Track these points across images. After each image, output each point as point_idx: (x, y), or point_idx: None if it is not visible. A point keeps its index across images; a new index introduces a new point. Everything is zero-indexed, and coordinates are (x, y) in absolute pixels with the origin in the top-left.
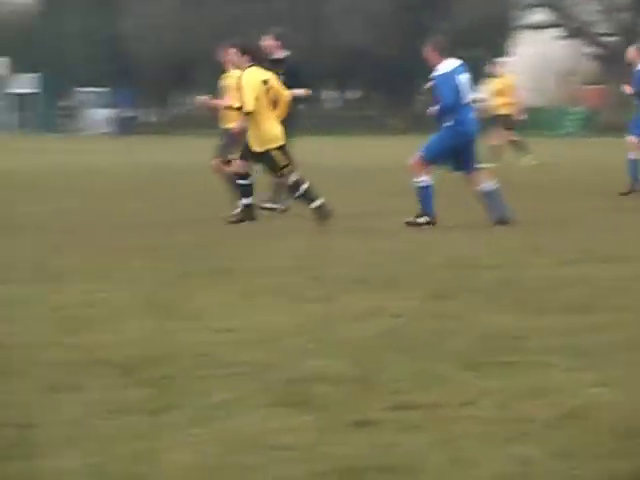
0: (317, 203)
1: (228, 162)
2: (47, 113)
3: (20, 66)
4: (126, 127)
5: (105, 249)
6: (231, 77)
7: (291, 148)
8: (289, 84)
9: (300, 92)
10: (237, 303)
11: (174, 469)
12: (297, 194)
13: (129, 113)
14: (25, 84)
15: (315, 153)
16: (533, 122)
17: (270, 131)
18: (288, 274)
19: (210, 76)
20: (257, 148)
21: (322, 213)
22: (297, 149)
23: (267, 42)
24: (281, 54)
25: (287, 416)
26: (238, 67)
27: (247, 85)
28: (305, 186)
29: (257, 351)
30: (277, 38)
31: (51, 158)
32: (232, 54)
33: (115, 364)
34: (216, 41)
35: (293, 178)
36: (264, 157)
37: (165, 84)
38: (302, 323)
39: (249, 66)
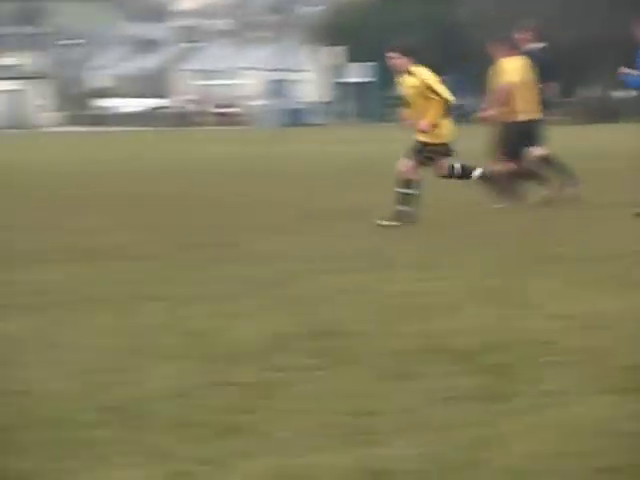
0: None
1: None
2: (380, 103)
3: (356, 55)
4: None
5: (436, 238)
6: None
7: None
8: (541, 76)
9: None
10: (569, 289)
11: (513, 456)
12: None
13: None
14: (360, 73)
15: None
16: None
17: (447, 125)
18: (615, 260)
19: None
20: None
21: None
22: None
23: (520, 35)
24: (532, 46)
25: (622, 404)
26: (401, 69)
27: (432, 79)
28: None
29: (593, 337)
30: (531, 31)
31: (383, 147)
32: (394, 58)
33: (453, 352)
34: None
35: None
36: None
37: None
38: (637, 308)
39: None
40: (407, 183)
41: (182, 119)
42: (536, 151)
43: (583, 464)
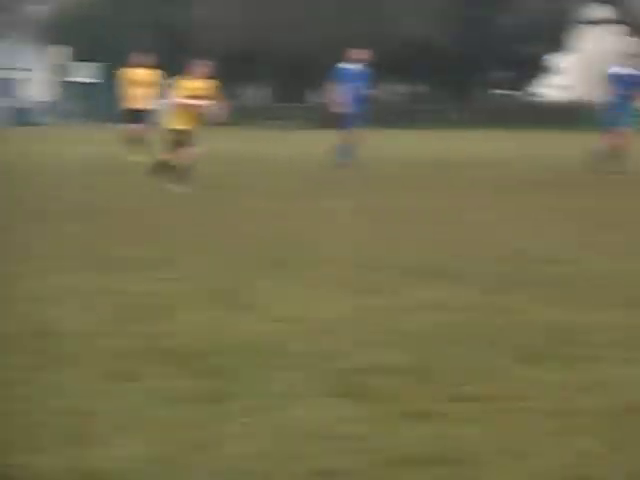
0: None
1: None
2: (106, 104)
3: (82, 55)
4: None
5: (165, 238)
6: None
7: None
8: None
9: None
10: (295, 294)
11: (230, 458)
12: None
13: None
14: (86, 73)
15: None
16: (594, 117)
17: None
18: (337, 263)
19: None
20: None
21: None
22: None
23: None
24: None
25: (342, 407)
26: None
27: None
28: None
29: (314, 342)
30: None
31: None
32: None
33: (174, 353)
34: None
35: None
36: None
37: (225, 76)
38: (359, 314)
39: None
40: None
41: None
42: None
43: (298, 466)
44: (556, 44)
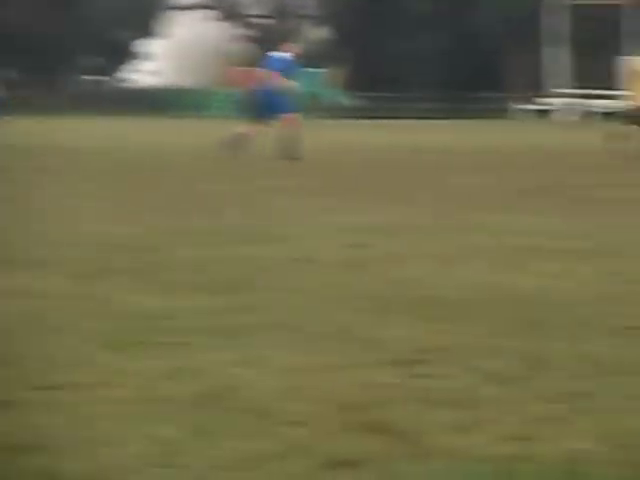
0: None
1: None
2: None
3: None
4: None
5: None
6: None
7: None
8: None
9: None
10: None
11: None
12: None
13: None
14: None
15: None
16: (184, 103)
17: None
18: None
19: None
20: None
21: None
22: None
23: None
24: None
25: None
26: None
27: None
28: None
29: None
30: None
31: None
32: None
33: None
34: None
35: None
36: None
37: None
38: None
39: None
40: None
41: None
42: None
43: None
44: (145, 30)
